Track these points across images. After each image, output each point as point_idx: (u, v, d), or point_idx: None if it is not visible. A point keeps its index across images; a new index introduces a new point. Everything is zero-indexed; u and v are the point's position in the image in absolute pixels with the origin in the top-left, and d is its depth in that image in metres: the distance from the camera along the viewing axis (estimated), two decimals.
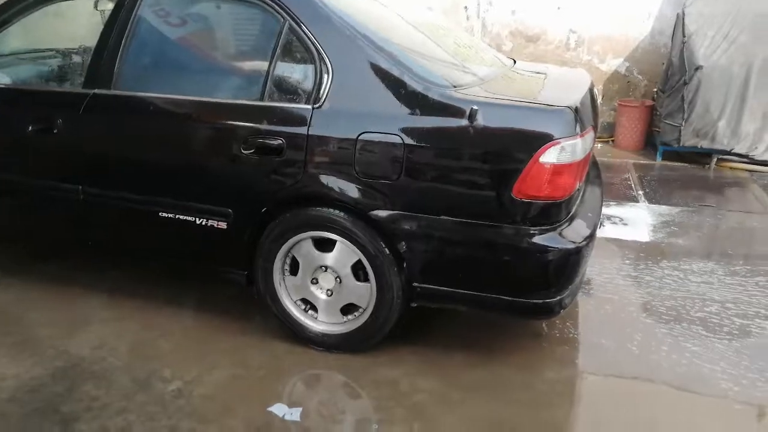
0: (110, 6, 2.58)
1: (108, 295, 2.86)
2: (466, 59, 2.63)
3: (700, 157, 5.12)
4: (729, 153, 4.92)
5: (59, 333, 2.56)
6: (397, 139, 2.08)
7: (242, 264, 2.45)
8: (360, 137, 2.12)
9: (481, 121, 2.03)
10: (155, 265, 2.74)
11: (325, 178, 2.19)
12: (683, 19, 4.93)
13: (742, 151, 4.85)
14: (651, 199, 4.24)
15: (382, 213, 2.15)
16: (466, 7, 6.42)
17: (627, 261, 3.23)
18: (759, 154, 4.84)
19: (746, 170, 4.90)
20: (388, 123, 2.10)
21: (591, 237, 2.20)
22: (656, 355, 2.40)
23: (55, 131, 2.50)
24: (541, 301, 2.15)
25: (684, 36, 4.90)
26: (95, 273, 3.04)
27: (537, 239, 2.06)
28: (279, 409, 2.09)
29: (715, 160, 5.02)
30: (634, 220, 3.81)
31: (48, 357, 2.40)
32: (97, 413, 2.07)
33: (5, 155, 2.71)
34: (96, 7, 3.05)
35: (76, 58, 3.04)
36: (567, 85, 2.50)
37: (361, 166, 2.13)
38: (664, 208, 4.06)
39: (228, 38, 2.49)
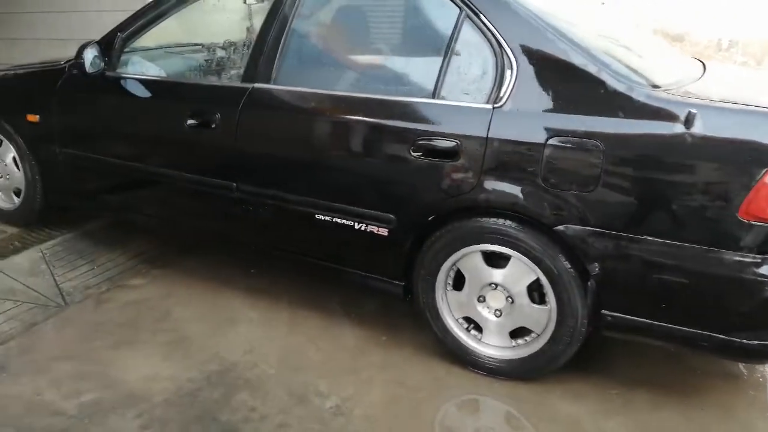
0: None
1: (251, 295, 2.80)
2: (653, 56, 2.32)
3: None
4: None
5: (208, 332, 2.51)
6: (594, 146, 1.82)
7: (400, 274, 2.28)
8: (549, 142, 1.88)
9: (700, 127, 1.73)
10: (303, 267, 2.62)
11: (505, 187, 1.96)
12: None
13: None
14: None
15: (572, 229, 1.89)
16: (603, 2, 5.98)
17: None
18: None
19: None
20: (584, 126, 1.85)
21: None
22: None
23: (213, 126, 2.43)
24: (758, 343, 1.81)
25: None
26: (237, 271, 2.99)
27: (765, 270, 1.73)
28: None
29: None
30: None
31: (200, 359, 2.34)
32: (256, 425, 1.97)
33: (158, 148, 2.69)
34: (245, 1, 3.01)
35: (226, 53, 2.99)
36: None
37: (550, 175, 1.89)
38: None
39: (397, 30, 2.32)
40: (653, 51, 2.53)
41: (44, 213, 3.24)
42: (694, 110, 1.73)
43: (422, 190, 2.09)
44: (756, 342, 1.82)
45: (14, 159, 3.18)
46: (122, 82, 2.70)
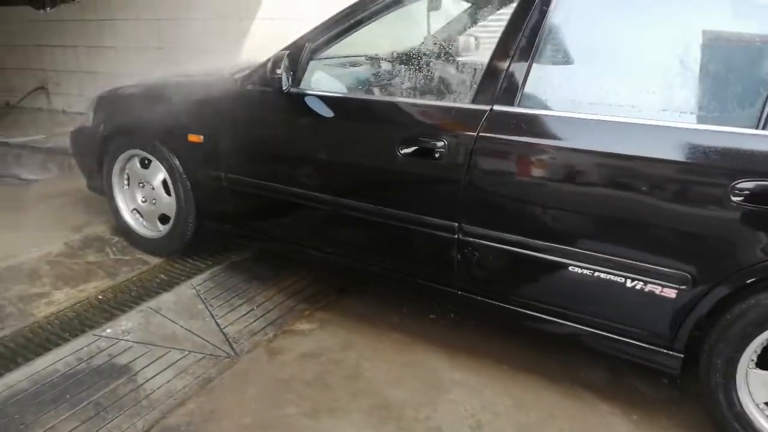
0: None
1: (447, 350, 2.38)
2: None
3: None
4: None
5: (416, 399, 2.11)
6: None
7: (680, 345, 1.83)
8: None
9: None
10: (541, 330, 2.15)
11: None
12: None
13: None
14: None
15: None
16: None
17: None
18: None
19: None
20: None
21: None
22: None
23: (437, 155, 2.03)
24: None
25: None
26: (415, 316, 2.59)
27: None
28: None
29: None
30: None
31: None
32: None
33: (356, 179, 2.30)
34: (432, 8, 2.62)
35: (435, 66, 2.51)
36: None
37: None
38: None
39: (703, 37, 1.82)
40: None
41: (193, 242, 2.90)
42: None
43: (743, 245, 1.65)
44: None
45: (164, 182, 2.85)
46: (311, 100, 2.32)
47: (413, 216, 2.16)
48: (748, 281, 1.67)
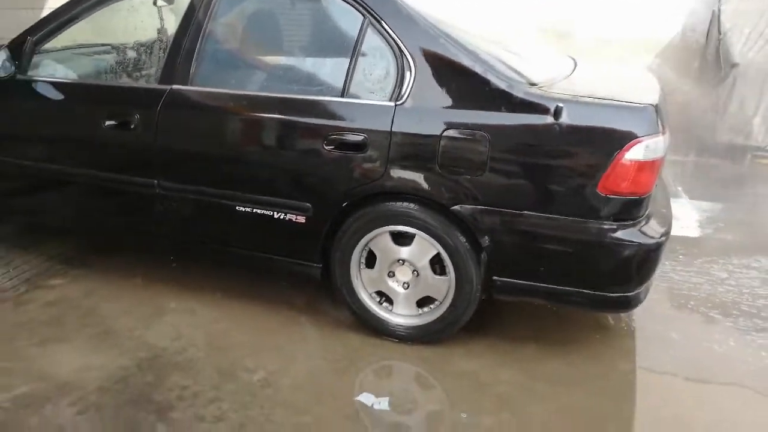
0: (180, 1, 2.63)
1: (176, 287, 2.91)
2: (532, 56, 2.68)
3: (735, 153, 5.16)
4: (764, 149, 4.96)
5: (135, 324, 2.62)
6: (482, 136, 2.13)
7: (318, 257, 2.50)
8: (444, 134, 2.17)
9: (566, 118, 2.07)
10: (226, 258, 2.76)
11: (408, 174, 2.24)
12: (719, 16, 4.96)
13: None
14: (692, 195, 4.28)
15: (465, 208, 2.20)
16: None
17: (681, 257, 3.28)
18: None
19: None
20: (473, 120, 2.15)
21: (668, 233, 2.25)
22: (731, 351, 2.45)
23: (132, 126, 2.55)
24: (620, 295, 2.21)
25: (720, 33, 4.94)
26: (159, 266, 3.09)
27: (620, 234, 2.11)
28: (366, 399, 2.15)
29: (749, 156, 5.06)
30: (679, 216, 3.84)
31: (129, 348, 2.45)
32: (190, 402, 2.13)
33: (76, 150, 2.76)
34: (155, 3, 3.11)
35: (140, 54, 3.06)
36: (641, 85, 2.54)
37: (445, 163, 2.18)
38: (705, 204, 4.11)
39: (308, 35, 2.53)
40: (533, 51, 2.88)
41: None
42: (561, 104, 2.08)
43: (335, 179, 2.33)
44: (617, 295, 2.20)
45: None
46: (35, 85, 2.73)
47: (125, 177, 2.66)
48: (344, 204, 2.35)
